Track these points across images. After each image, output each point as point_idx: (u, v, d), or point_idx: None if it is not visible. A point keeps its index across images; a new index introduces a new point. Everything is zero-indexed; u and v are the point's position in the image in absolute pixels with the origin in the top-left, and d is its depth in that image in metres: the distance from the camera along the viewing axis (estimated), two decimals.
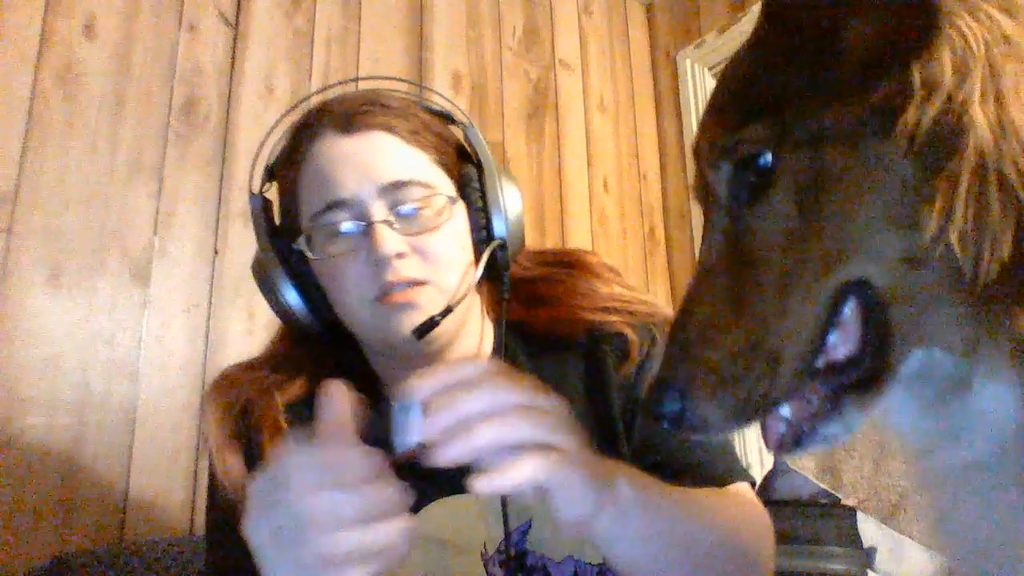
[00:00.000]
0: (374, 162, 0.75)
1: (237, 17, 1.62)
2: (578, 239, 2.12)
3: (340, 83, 0.96)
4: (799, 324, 0.43)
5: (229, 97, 1.56)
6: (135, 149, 1.42)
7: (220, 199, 1.50)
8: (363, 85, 0.95)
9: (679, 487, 0.68)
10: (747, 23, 2.13)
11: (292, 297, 0.78)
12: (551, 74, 2.20)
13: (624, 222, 2.26)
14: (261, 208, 0.82)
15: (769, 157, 0.44)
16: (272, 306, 0.80)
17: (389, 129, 0.76)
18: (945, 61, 0.40)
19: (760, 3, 0.47)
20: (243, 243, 1.51)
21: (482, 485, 0.50)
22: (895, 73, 0.41)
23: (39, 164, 1.31)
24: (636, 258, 2.27)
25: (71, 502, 1.22)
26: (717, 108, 0.49)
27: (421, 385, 0.53)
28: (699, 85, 2.33)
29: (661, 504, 0.63)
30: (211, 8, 1.58)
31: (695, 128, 2.29)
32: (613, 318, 0.84)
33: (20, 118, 1.30)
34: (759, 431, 0.47)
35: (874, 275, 0.42)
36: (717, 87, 0.50)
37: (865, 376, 0.44)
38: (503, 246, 0.81)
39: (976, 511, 0.46)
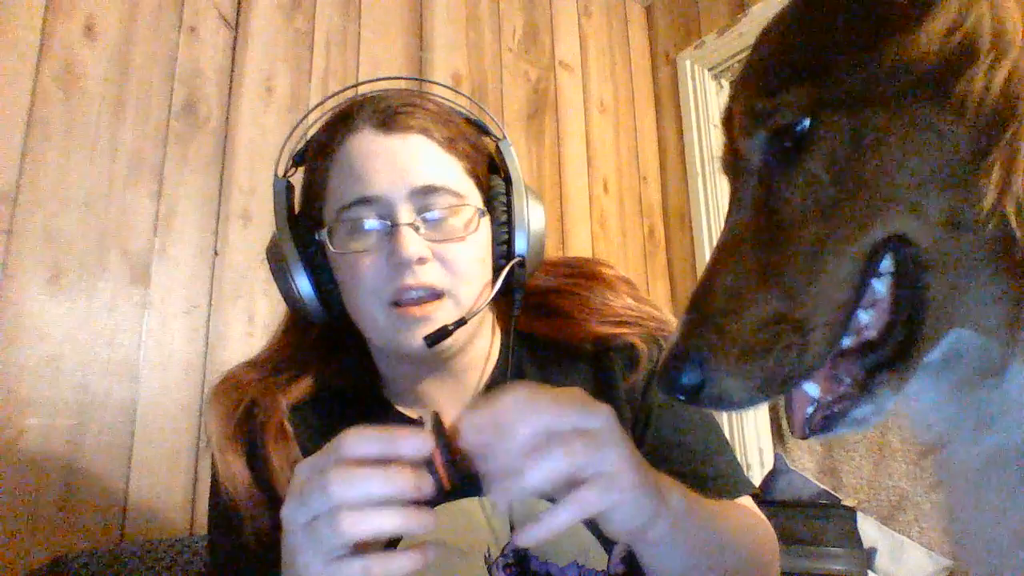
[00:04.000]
0: (408, 164, 0.74)
1: (237, 18, 1.62)
2: (578, 240, 2.12)
3: (388, 77, 0.96)
4: (830, 290, 0.41)
5: (229, 98, 1.57)
6: (135, 150, 1.42)
7: (220, 200, 1.50)
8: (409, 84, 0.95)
9: (708, 499, 0.68)
10: (747, 24, 2.13)
11: (304, 285, 0.77)
12: (551, 75, 2.20)
13: (624, 223, 2.26)
14: (284, 193, 0.81)
15: (807, 122, 0.42)
16: (283, 292, 0.79)
17: (427, 133, 0.76)
18: (1017, 20, 0.38)
19: (759, 5, 0.46)
20: (243, 244, 1.51)
21: (528, 539, 0.49)
22: (956, 36, 0.38)
23: (39, 164, 1.31)
24: (636, 259, 2.26)
25: (71, 502, 1.22)
26: (752, 74, 0.47)
27: (466, 431, 0.53)
28: (699, 86, 2.33)
29: (704, 515, 0.63)
30: (211, 9, 1.58)
31: (695, 129, 2.29)
32: (623, 330, 0.83)
33: (20, 118, 1.30)
34: (781, 415, 0.45)
35: (913, 232, 0.40)
36: (751, 54, 0.48)
37: (897, 351, 0.42)
38: (522, 263, 0.80)
39: (996, 507, 0.44)
